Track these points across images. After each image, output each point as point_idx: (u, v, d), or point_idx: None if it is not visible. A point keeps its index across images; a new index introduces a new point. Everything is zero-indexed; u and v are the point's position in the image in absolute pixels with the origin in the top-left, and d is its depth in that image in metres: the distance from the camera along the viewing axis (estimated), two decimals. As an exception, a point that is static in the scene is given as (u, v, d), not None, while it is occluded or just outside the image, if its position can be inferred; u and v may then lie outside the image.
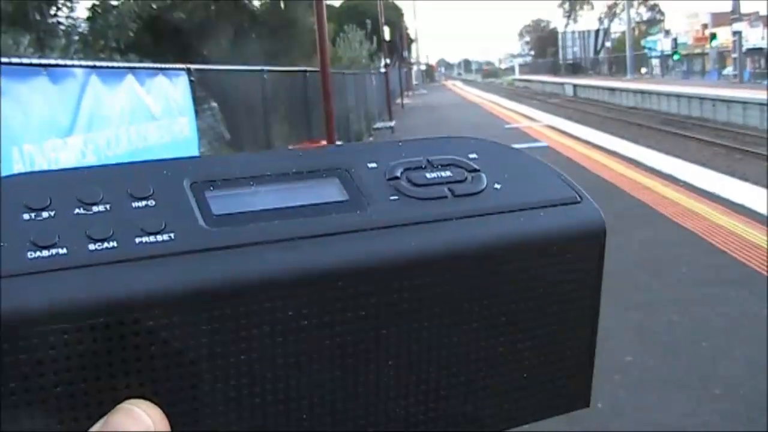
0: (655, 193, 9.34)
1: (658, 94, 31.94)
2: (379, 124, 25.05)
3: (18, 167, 4.55)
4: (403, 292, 0.48)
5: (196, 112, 8.64)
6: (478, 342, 0.52)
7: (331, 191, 0.52)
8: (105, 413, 0.42)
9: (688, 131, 21.08)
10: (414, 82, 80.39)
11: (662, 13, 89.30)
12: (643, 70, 62.64)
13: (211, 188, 0.49)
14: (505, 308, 0.52)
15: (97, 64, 6.58)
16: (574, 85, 50.85)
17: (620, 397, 3.91)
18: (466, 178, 0.55)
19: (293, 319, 0.45)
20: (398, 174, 0.54)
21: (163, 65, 8.40)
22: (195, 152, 8.12)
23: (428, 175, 0.54)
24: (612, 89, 40.60)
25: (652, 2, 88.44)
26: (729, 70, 46.79)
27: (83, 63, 6.37)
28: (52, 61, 6.21)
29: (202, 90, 8.95)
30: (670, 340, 4.71)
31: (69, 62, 6.52)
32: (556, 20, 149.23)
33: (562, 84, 56.19)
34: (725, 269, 5.98)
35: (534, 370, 0.55)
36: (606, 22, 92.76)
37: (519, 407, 0.55)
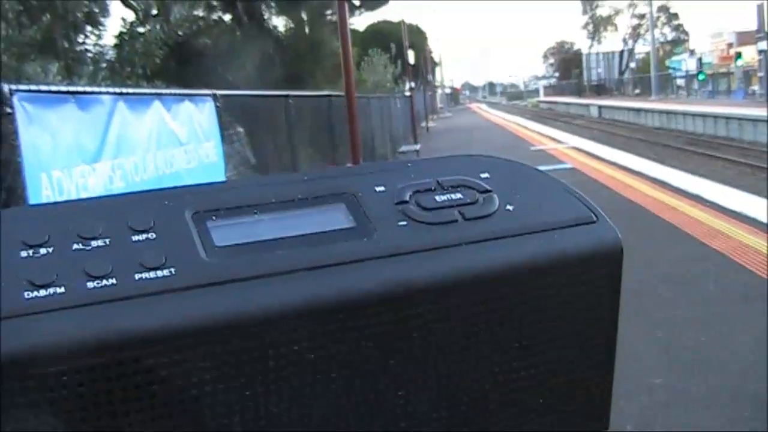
0: (681, 213, 9.25)
1: (684, 114, 31.65)
2: (404, 148, 25.00)
3: (47, 193, 4.59)
4: (411, 321, 0.47)
5: (222, 137, 8.68)
6: (492, 366, 0.51)
7: (337, 218, 0.50)
8: None
9: (714, 151, 20.87)
10: (439, 105, 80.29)
11: (686, 33, 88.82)
12: (672, 96, 62.26)
13: (214, 218, 0.47)
14: (519, 333, 0.51)
15: (124, 90, 6.64)
16: (599, 107, 50.43)
17: (649, 418, 3.87)
18: (477, 200, 0.53)
19: (299, 353, 0.44)
20: (407, 198, 0.52)
21: (189, 91, 8.45)
22: (221, 177, 8.16)
23: (438, 198, 0.52)
24: (637, 110, 40.29)
25: (676, 22, 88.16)
26: (755, 88, 46.44)
27: (110, 90, 6.43)
28: (80, 88, 6.29)
29: (228, 115, 9.00)
30: (698, 359, 4.66)
31: (96, 89, 6.60)
32: (580, 42, 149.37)
33: (587, 105, 55.78)
34: (753, 288, 5.90)
35: (550, 393, 0.54)
36: (630, 42, 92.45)
37: (535, 429, 0.54)
